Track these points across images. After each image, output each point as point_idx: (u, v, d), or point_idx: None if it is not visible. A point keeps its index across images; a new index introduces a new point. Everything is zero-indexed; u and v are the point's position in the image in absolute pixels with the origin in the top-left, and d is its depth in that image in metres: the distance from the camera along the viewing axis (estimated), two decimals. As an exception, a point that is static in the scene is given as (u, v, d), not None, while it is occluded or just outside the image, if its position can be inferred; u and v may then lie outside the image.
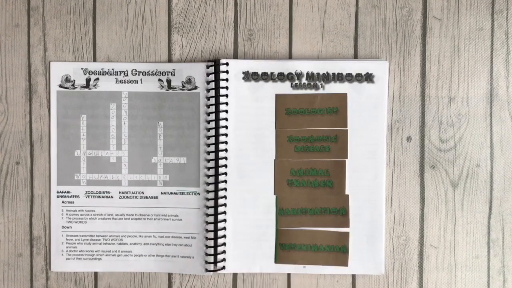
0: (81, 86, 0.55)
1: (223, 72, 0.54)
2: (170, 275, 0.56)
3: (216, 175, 0.54)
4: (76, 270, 0.56)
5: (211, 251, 0.54)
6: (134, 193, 0.56)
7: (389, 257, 0.55)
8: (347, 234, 0.55)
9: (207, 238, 0.55)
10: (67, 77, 0.55)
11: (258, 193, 0.55)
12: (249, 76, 0.55)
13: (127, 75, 0.55)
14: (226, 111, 0.55)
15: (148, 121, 0.55)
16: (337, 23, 0.55)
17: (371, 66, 0.54)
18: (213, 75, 0.54)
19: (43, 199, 0.56)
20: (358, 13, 0.55)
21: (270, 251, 0.55)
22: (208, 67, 0.54)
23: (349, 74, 0.54)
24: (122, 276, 0.56)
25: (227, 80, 0.54)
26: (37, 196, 0.56)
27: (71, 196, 0.56)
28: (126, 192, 0.56)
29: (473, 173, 0.55)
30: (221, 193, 0.55)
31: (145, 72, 0.55)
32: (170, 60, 0.56)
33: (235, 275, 0.56)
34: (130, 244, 0.56)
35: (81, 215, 0.56)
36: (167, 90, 0.55)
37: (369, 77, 0.54)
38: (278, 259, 0.55)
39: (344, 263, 0.55)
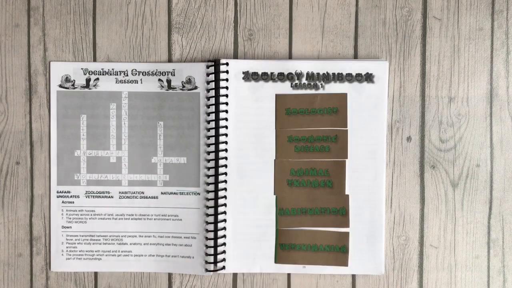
0: (81, 86, 0.55)
1: (223, 72, 0.54)
2: (170, 275, 0.56)
3: (216, 175, 0.54)
4: (76, 270, 0.56)
5: (211, 251, 0.54)
6: (134, 193, 0.56)
7: (389, 257, 0.55)
8: (347, 234, 0.55)
9: (207, 238, 0.54)
10: (67, 77, 0.55)
11: (258, 193, 0.55)
12: (249, 76, 0.55)
13: (127, 75, 0.55)
14: (226, 111, 0.55)
15: (148, 121, 0.55)
16: (337, 23, 0.55)
17: (371, 66, 0.54)
18: (213, 75, 0.54)
19: (43, 199, 0.56)
20: (358, 13, 0.55)
21: (270, 251, 0.55)
22: (208, 67, 0.54)
23: (349, 74, 0.54)
24: (122, 276, 0.56)
25: (227, 80, 0.54)
26: (37, 196, 0.56)
27: (71, 196, 0.56)
28: (126, 192, 0.56)
29: (473, 173, 0.55)
30: (221, 193, 0.55)
31: (145, 72, 0.55)
32: (170, 60, 0.56)
33: (235, 275, 0.56)
34: (130, 244, 0.56)
35: (81, 215, 0.56)
36: (167, 90, 0.55)
37: (369, 77, 0.54)
38: (278, 259, 0.55)
39: (344, 263, 0.55)
